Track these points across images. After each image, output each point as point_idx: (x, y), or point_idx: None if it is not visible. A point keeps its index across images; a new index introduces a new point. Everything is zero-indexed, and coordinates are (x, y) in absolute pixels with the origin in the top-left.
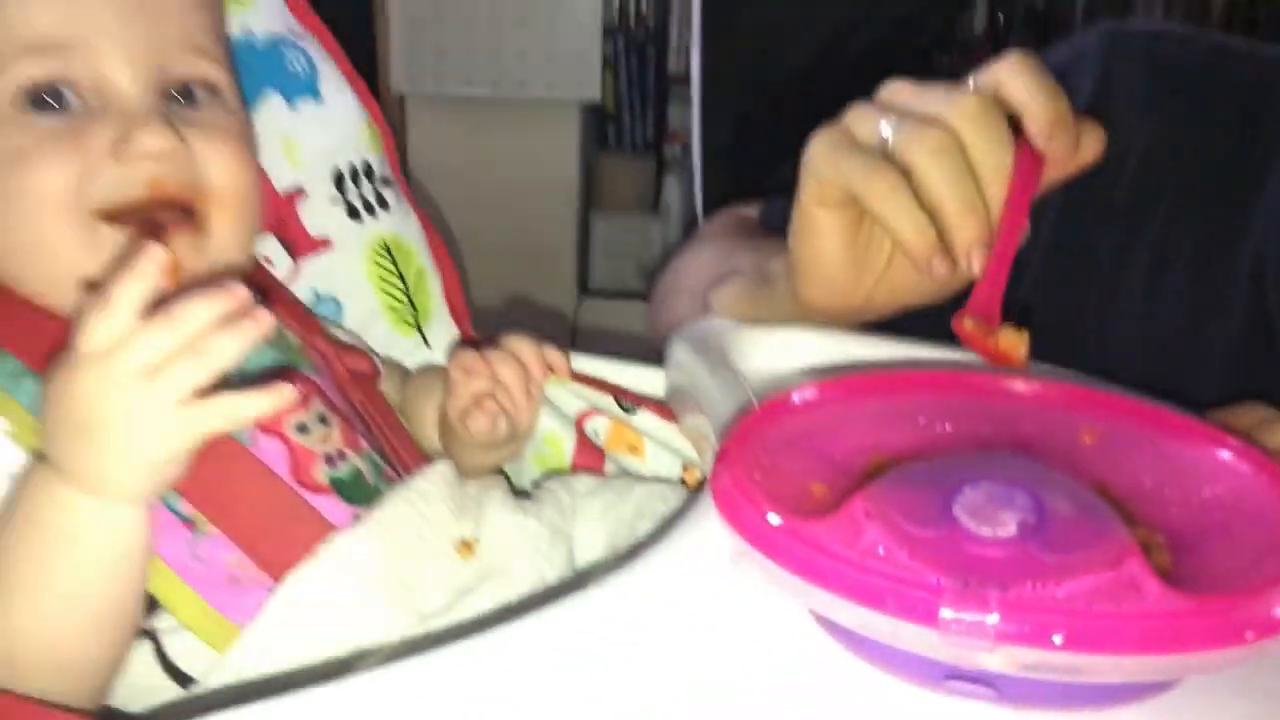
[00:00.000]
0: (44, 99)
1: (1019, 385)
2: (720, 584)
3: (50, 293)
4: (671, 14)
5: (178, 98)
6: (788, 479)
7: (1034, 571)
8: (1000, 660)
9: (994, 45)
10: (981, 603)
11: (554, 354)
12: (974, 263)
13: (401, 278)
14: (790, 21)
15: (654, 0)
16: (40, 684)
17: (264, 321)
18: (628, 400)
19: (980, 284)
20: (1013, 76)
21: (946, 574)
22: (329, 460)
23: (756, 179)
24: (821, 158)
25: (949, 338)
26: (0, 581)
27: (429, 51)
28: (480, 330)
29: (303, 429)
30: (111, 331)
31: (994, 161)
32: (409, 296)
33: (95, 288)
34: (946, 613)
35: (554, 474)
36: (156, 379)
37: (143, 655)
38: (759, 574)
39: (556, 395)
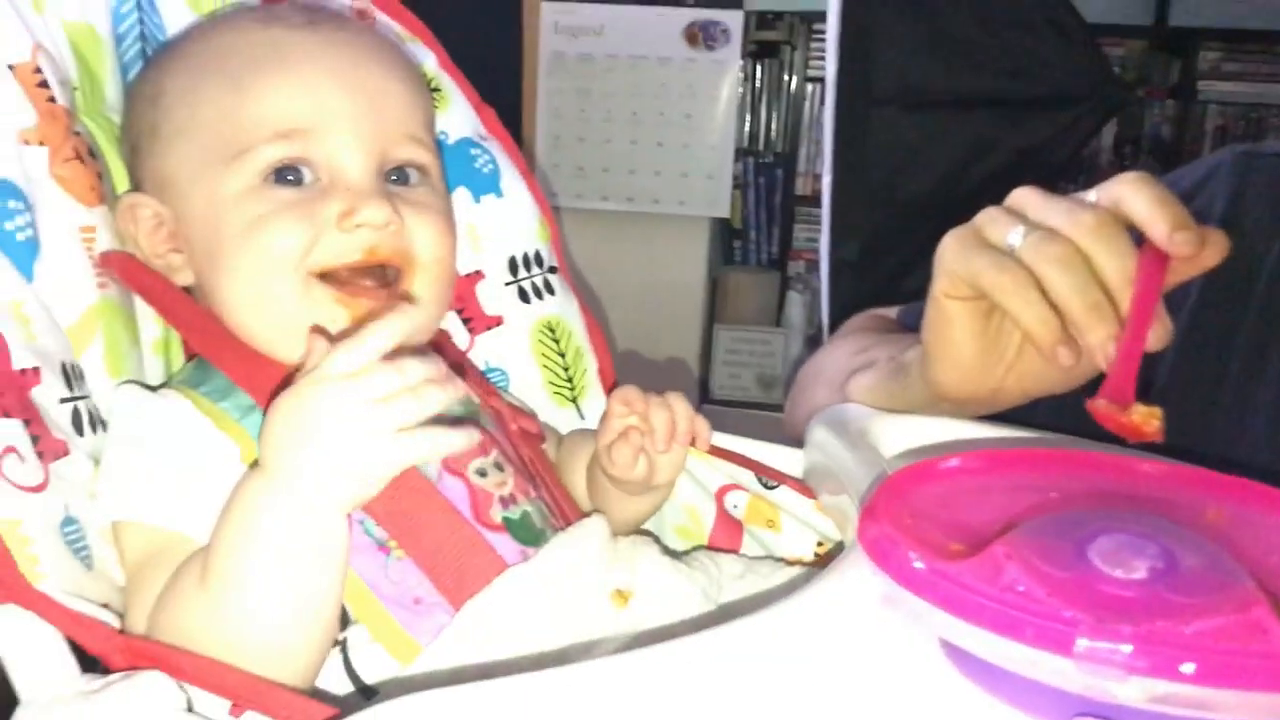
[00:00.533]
0: (285, 175)
1: (1149, 467)
2: (861, 628)
3: (274, 341)
4: (801, 139)
5: (394, 178)
6: (928, 536)
7: (1164, 611)
8: (1132, 692)
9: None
10: (1115, 634)
11: (702, 424)
12: (1107, 355)
13: (562, 355)
14: (919, 147)
15: (785, 126)
16: (259, 670)
17: (460, 384)
18: (768, 476)
19: (1112, 372)
20: (1133, 192)
21: (1082, 609)
22: (503, 502)
23: (879, 293)
24: (953, 254)
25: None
26: (223, 579)
27: (570, 167)
28: None
29: (481, 473)
30: (354, 363)
31: (1116, 269)
32: (568, 373)
33: (323, 333)
34: (1082, 643)
35: (701, 549)
36: (384, 408)
37: (333, 663)
38: (904, 613)
39: (698, 469)
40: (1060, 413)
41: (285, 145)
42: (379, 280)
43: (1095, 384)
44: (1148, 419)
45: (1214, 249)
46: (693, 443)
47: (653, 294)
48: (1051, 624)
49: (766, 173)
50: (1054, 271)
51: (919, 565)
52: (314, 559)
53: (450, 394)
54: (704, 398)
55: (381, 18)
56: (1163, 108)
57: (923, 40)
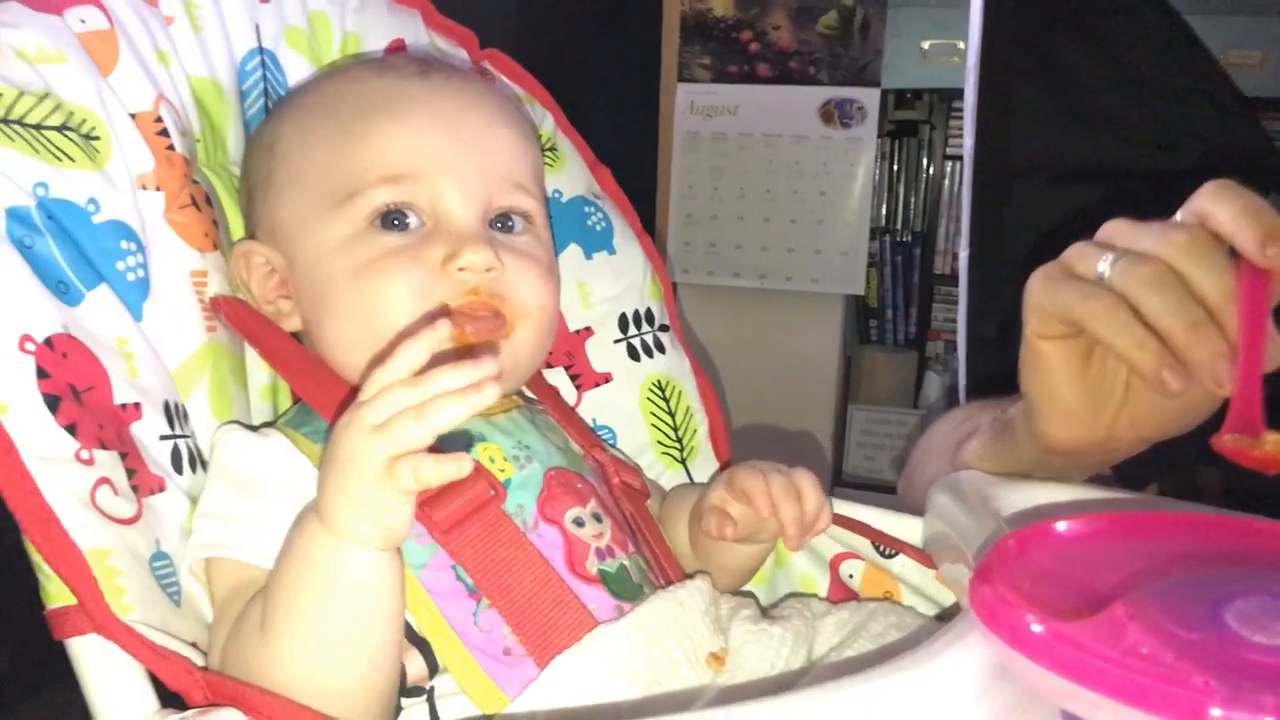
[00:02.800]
0: (392, 220)
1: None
2: (972, 700)
3: None
4: (940, 218)
5: (499, 225)
6: (1044, 599)
7: None
8: None
9: None
10: (1255, 705)
11: (826, 515)
12: (1216, 376)
13: (671, 415)
14: (1060, 220)
15: (923, 204)
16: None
17: (490, 394)
18: (885, 545)
19: (1235, 402)
20: (1215, 204)
21: (1215, 676)
22: (600, 554)
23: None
24: (1040, 291)
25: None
26: (273, 620)
27: (702, 244)
28: None
29: (579, 523)
30: (374, 386)
31: (1214, 285)
32: (677, 433)
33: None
34: (1216, 713)
35: (793, 596)
36: (382, 433)
37: (418, 712)
38: (1019, 681)
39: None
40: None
41: (391, 189)
42: (491, 318)
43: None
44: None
45: None
46: None
47: (786, 372)
48: (1182, 690)
49: (904, 251)
50: (1146, 293)
51: (1033, 626)
52: (354, 599)
53: (470, 403)
54: (837, 479)
55: (501, 80)
56: None
57: (1065, 112)
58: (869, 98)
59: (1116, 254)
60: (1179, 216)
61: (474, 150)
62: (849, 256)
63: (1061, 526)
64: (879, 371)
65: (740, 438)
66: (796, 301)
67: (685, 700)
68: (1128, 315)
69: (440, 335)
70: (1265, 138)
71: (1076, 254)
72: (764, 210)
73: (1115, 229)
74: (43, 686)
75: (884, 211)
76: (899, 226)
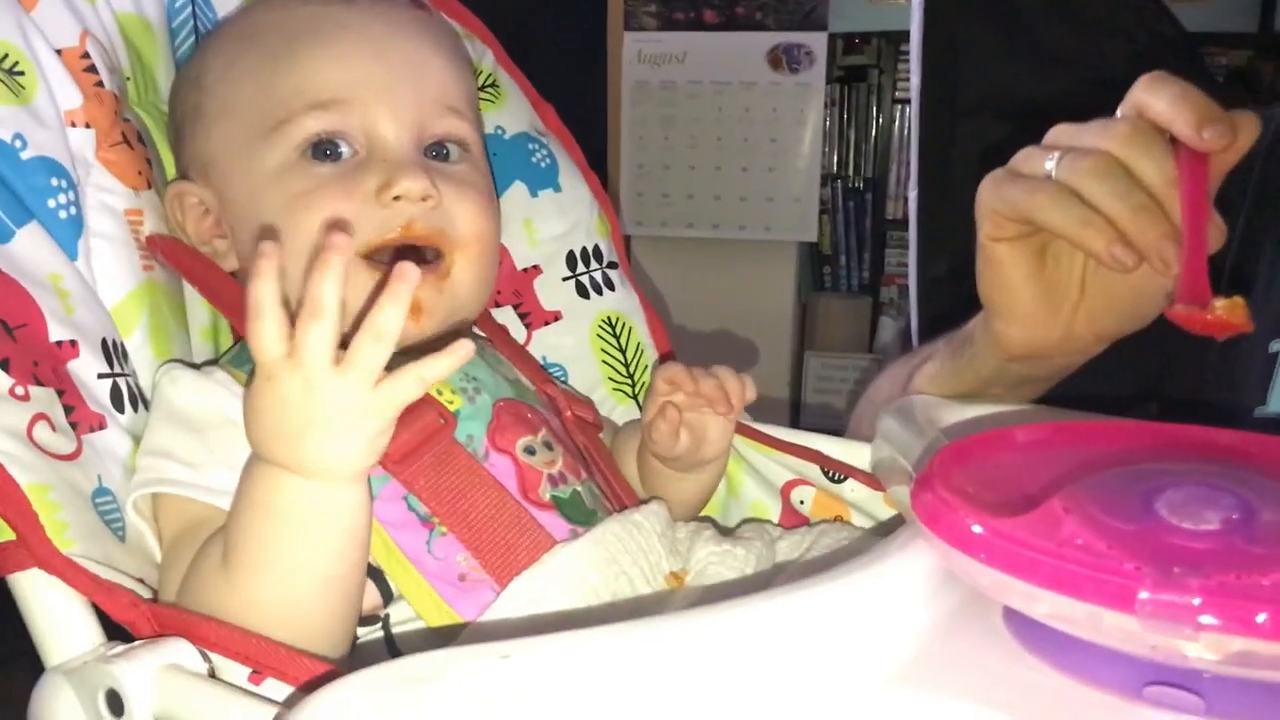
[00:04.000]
0: (323, 149)
1: (1227, 437)
2: (917, 605)
3: None
4: (891, 163)
5: (435, 154)
6: (984, 500)
7: (1239, 562)
8: (1203, 650)
9: None
10: (1182, 587)
11: (750, 385)
12: (1163, 256)
13: (622, 351)
14: (1009, 157)
15: (874, 149)
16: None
17: (413, 276)
18: (834, 470)
19: (1182, 276)
20: (1151, 94)
21: (1145, 562)
22: (552, 481)
23: (970, 310)
24: (990, 192)
25: None
26: (241, 562)
27: (655, 196)
28: None
29: (530, 451)
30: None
31: (1155, 171)
32: (628, 369)
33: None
34: (1145, 596)
35: (750, 521)
36: (347, 369)
37: (374, 641)
38: (964, 582)
39: (763, 464)
40: None
41: (321, 116)
42: (418, 261)
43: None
44: (1232, 310)
45: (1247, 133)
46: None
47: (742, 321)
48: (1112, 578)
49: (855, 198)
50: (1091, 182)
51: (972, 526)
52: (323, 535)
53: (401, 296)
54: (795, 425)
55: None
56: (1270, 114)
57: (1010, 50)
58: (817, 42)
59: (1061, 152)
60: (1119, 112)
61: (406, 75)
62: (801, 203)
63: (998, 435)
64: (834, 318)
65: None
66: (750, 250)
67: (652, 609)
68: (1073, 200)
69: (410, 279)
70: (1207, 74)
71: (1023, 157)
72: (715, 159)
73: (1059, 131)
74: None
75: (835, 158)
76: (851, 173)
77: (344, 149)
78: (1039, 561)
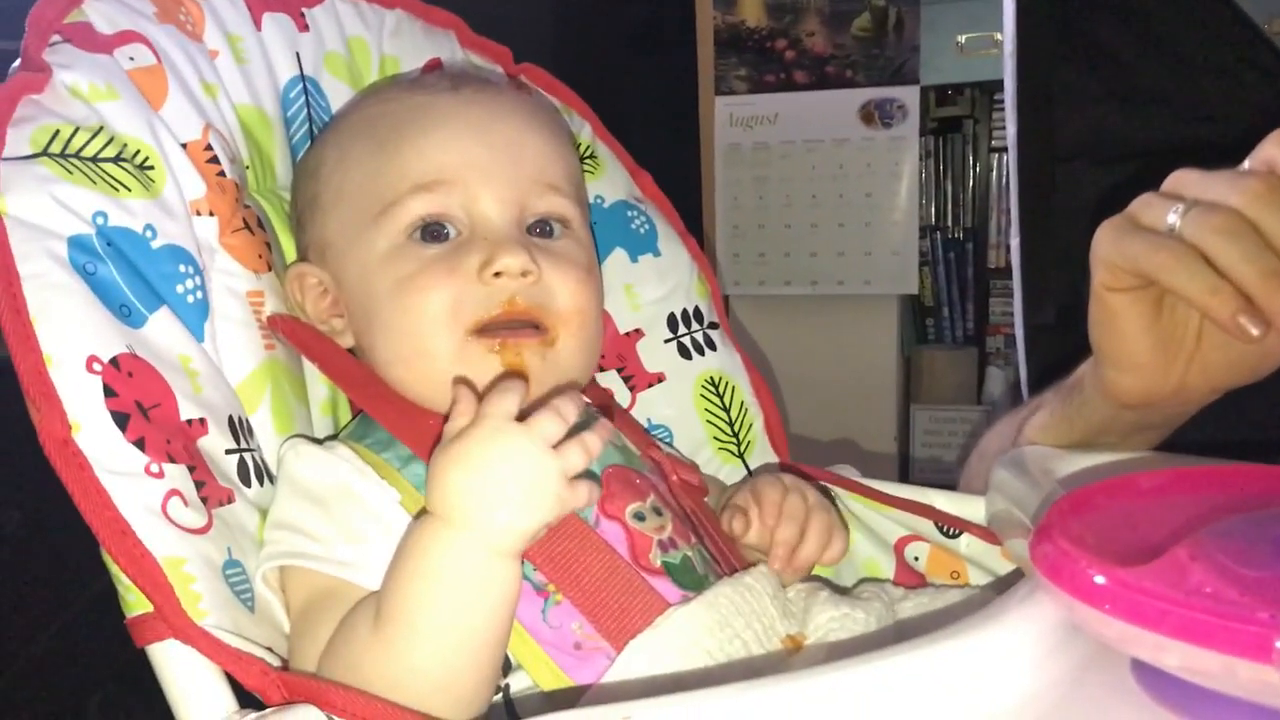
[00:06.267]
0: (430, 232)
1: None
2: (1041, 657)
3: (428, 394)
4: (990, 212)
5: (536, 230)
6: (1106, 550)
7: None
8: None
9: None
10: None
11: (838, 542)
12: None
13: (726, 410)
14: (1110, 201)
15: (973, 199)
16: (428, 710)
17: (608, 426)
18: (949, 524)
19: None
20: None
21: None
22: (662, 547)
23: (1080, 356)
24: (1108, 243)
25: None
26: (402, 627)
27: (751, 255)
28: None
29: (639, 517)
30: (514, 408)
31: None
32: (733, 428)
33: (469, 385)
34: None
35: (868, 580)
36: (560, 452)
37: (495, 709)
38: (1088, 635)
39: (875, 521)
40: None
41: (426, 199)
42: (526, 329)
43: None
44: None
45: None
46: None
47: (846, 377)
48: (1247, 626)
49: (956, 248)
50: (1220, 242)
51: (1095, 576)
52: (487, 600)
53: (603, 435)
54: (904, 479)
55: (537, 92)
56: None
57: (1107, 93)
58: (909, 95)
59: (1186, 204)
60: (1247, 165)
61: (506, 156)
62: (900, 256)
63: (1119, 483)
64: (939, 370)
65: (807, 446)
66: (851, 305)
67: (769, 670)
68: (1200, 264)
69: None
70: None
71: (1143, 205)
72: (811, 216)
73: (1183, 178)
74: None
75: (933, 209)
76: (949, 223)
77: (450, 230)
78: (1167, 611)
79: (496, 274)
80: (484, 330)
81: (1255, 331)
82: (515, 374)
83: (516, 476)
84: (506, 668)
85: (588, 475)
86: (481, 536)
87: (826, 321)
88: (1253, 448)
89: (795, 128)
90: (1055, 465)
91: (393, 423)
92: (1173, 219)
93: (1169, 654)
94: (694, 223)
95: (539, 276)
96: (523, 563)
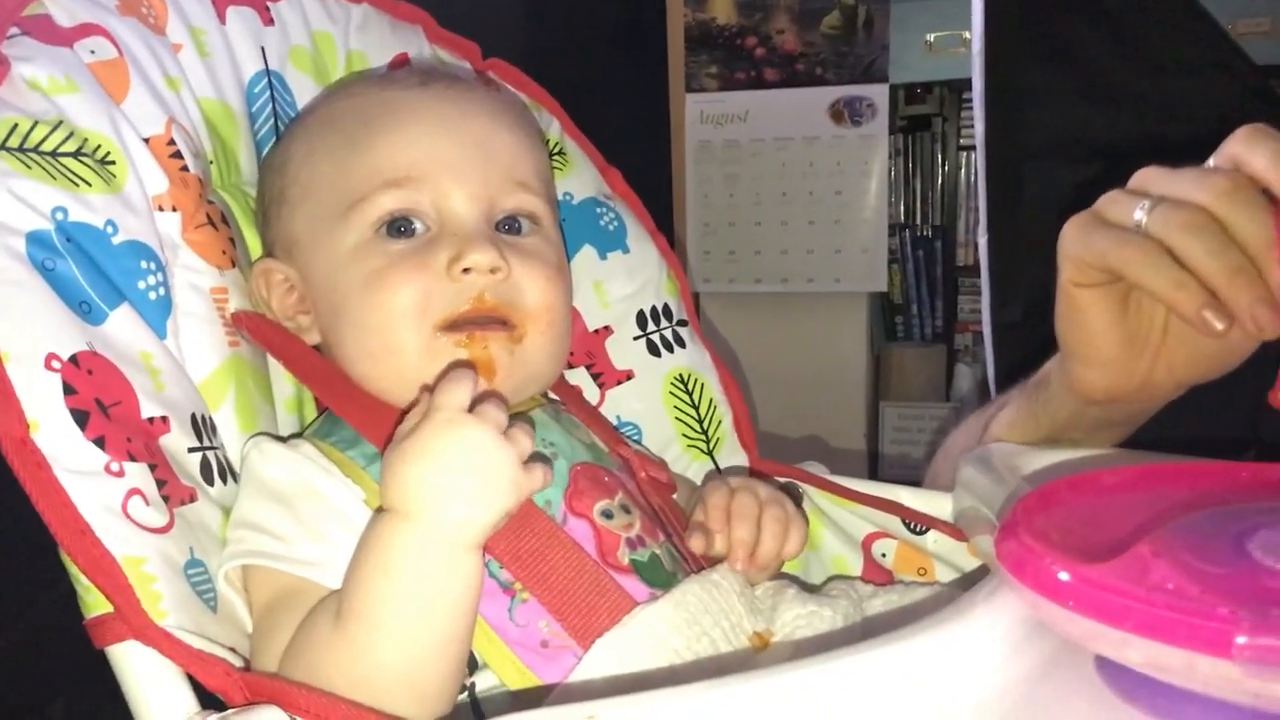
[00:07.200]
0: (398, 227)
1: None
2: (1009, 655)
3: (395, 390)
4: (959, 210)
5: (506, 227)
6: (1069, 546)
7: None
8: None
9: None
10: None
11: (795, 535)
12: (1259, 321)
13: (695, 408)
14: (1078, 198)
15: (942, 197)
16: (392, 709)
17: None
18: (916, 521)
19: None
20: (1249, 149)
21: (1240, 605)
22: (630, 544)
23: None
24: (1075, 238)
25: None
26: (364, 623)
27: (722, 253)
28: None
29: (608, 515)
30: (463, 399)
31: (1255, 230)
32: (702, 425)
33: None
34: (1243, 640)
35: (837, 578)
36: (511, 440)
37: (461, 707)
38: (1053, 631)
39: (842, 518)
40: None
41: (395, 195)
42: (493, 324)
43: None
44: None
45: None
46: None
47: (815, 374)
48: (1207, 622)
49: (924, 246)
50: (1186, 238)
51: (1059, 572)
52: (449, 595)
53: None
54: (873, 476)
55: (506, 88)
56: None
57: (1075, 91)
58: (878, 94)
59: (1152, 200)
60: (1212, 162)
61: (475, 152)
62: (869, 254)
63: (1083, 479)
64: (908, 367)
65: (776, 443)
66: (821, 303)
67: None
68: (1166, 259)
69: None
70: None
71: (1110, 201)
72: (781, 214)
73: (1149, 175)
74: None
75: (903, 207)
76: (918, 221)
77: (417, 226)
78: (1130, 608)
79: (466, 270)
80: (452, 326)
81: (1220, 326)
82: (481, 368)
83: (471, 466)
84: (473, 666)
85: (537, 459)
86: (440, 530)
87: (796, 319)
88: (1216, 445)
89: (766, 125)
90: (1021, 462)
91: (358, 420)
92: (1139, 215)
93: (1131, 650)
94: (665, 220)
95: (508, 273)
96: (489, 560)
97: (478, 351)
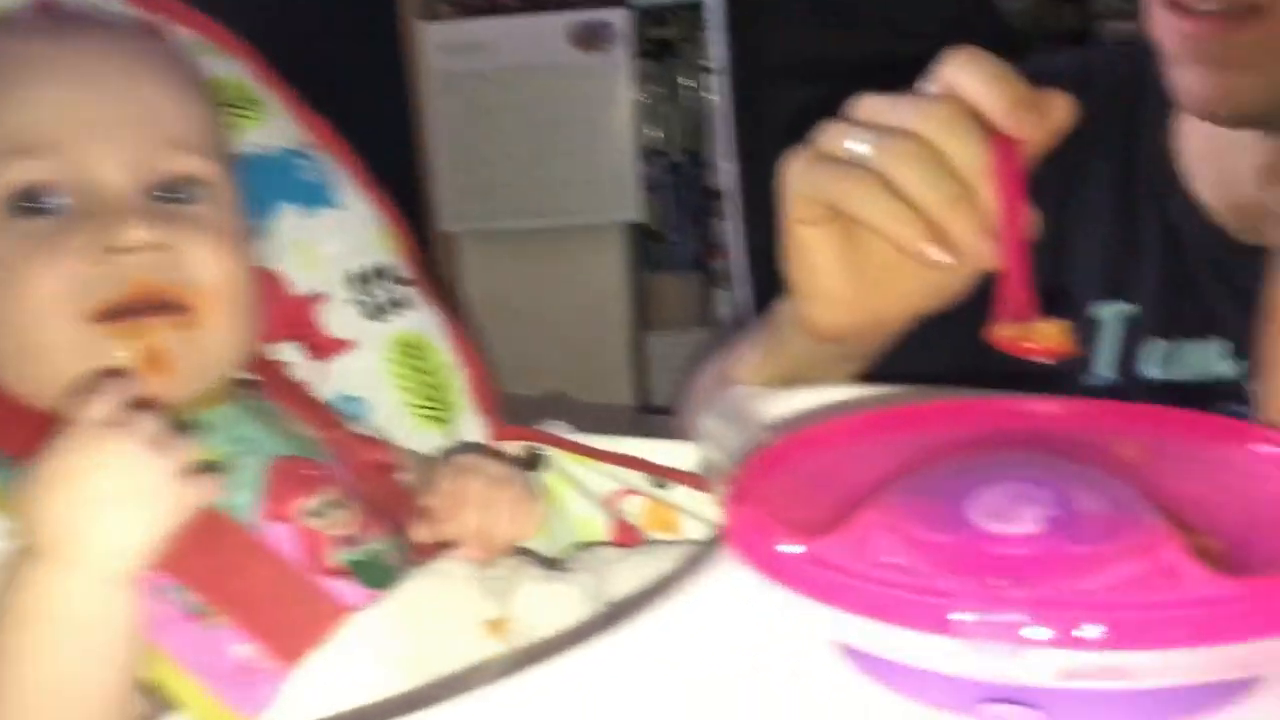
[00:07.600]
0: (30, 203)
1: (1049, 406)
2: (739, 626)
3: (43, 394)
4: (710, 133)
5: (166, 196)
6: (792, 515)
7: (1060, 567)
8: (1030, 668)
9: None
10: (999, 602)
11: (527, 517)
12: (975, 250)
13: (425, 374)
14: (819, 119)
15: (694, 121)
16: None
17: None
18: (660, 476)
19: (1002, 288)
20: (962, 73)
21: (961, 577)
22: (346, 542)
23: None
24: (796, 175)
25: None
26: None
27: (475, 189)
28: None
29: (315, 513)
30: (107, 412)
31: (968, 157)
32: (436, 391)
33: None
34: (959, 617)
35: (583, 545)
36: (163, 450)
37: None
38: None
39: (586, 477)
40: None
41: (25, 164)
42: (157, 309)
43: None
44: (1055, 337)
45: (1059, 113)
46: None
47: (578, 307)
48: (922, 599)
49: (679, 172)
50: (903, 169)
51: (778, 547)
52: (91, 641)
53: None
54: (645, 407)
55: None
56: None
57: (814, 10)
58: (617, 18)
59: (868, 131)
60: (929, 86)
61: (123, 112)
62: (622, 182)
63: (813, 434)
64: (671, 295)
65: (545, 381)
66: (579, 235)
67: (462, 680)
68: (884, 193)
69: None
70: (1000, 19)
71: (827, 135)
72: (531, 146)
73: (865, 104)
74: None
75: (659, 135)
76: (671, 148)
77: (55, 201)
78: (846, 585)
79: (117, 250)
80: (108, 316)
81: (938, 256)
82: (150, 361)
83: (118, 487)
84: (158, 709)
85: (208, 465)
86: (83, 565)
87: (555, 253)
88: (957, 375)
89: (507, 54)
90: (757, 405)
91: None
92: (856, 147)
93: (851, 629)
94: (408, 159)
95: (172, 249)
96: (174, 587)
97: (143, 343)
